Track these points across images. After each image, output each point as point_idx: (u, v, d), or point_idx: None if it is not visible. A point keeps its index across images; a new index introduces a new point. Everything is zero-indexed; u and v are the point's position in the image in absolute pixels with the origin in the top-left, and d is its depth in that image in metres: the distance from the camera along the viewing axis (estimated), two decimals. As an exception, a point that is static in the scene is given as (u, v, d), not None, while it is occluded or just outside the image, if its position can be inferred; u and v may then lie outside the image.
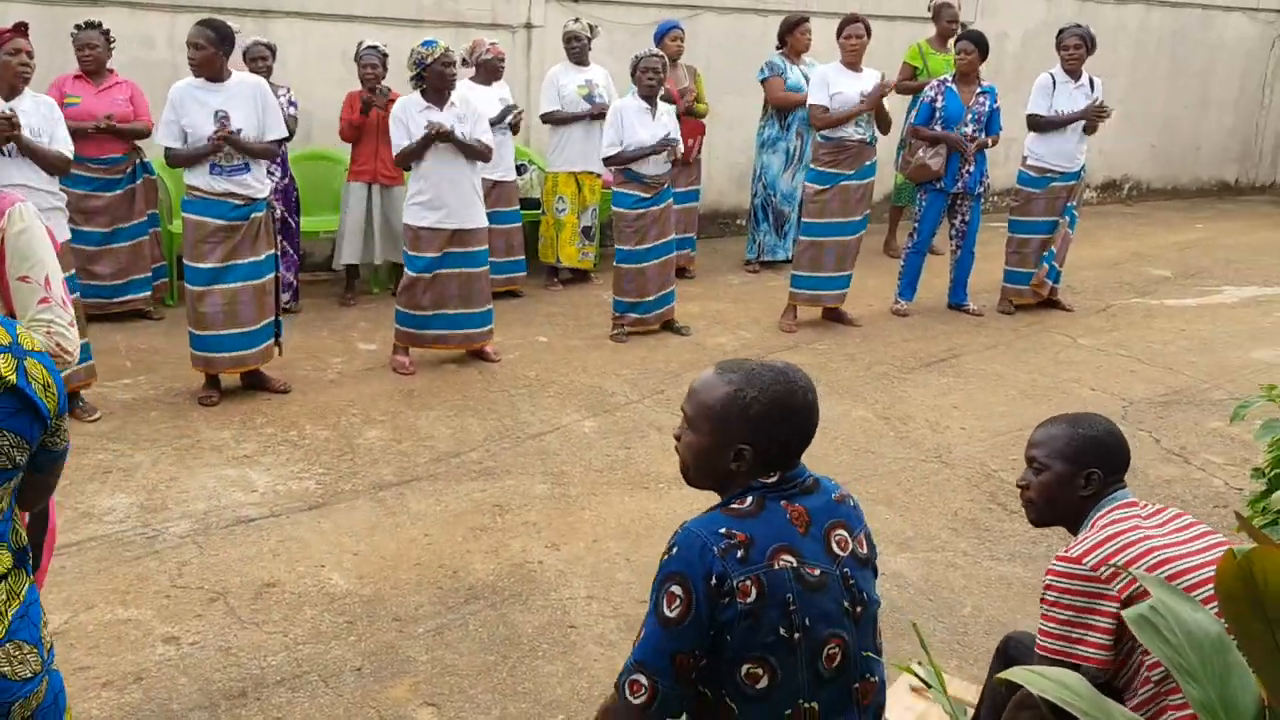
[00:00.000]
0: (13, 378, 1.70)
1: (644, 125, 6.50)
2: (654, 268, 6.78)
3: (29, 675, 1.78)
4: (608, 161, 6.68)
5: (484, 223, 6.14)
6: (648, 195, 6.65)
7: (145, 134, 6.55)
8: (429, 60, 5.82)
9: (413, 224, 5.98)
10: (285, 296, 6.64)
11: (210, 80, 5.28)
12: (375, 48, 7.22)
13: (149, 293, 6.90)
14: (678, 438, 2.12)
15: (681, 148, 6.84)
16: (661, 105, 6.65)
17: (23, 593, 1.80)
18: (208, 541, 4.10)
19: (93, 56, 6.54)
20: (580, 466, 4.97)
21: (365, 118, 7.14)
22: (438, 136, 5.75)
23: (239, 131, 5.25)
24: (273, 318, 5.62)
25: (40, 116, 5.04)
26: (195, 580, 3.82)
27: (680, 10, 9.29)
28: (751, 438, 2.01)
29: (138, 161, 6.74)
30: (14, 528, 1.82)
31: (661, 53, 6.77)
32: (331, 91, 7.59)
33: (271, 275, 5.57)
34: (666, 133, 6.55)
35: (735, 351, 6.68)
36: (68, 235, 5.33)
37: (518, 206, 7.77)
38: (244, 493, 4.53)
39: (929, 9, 9.16)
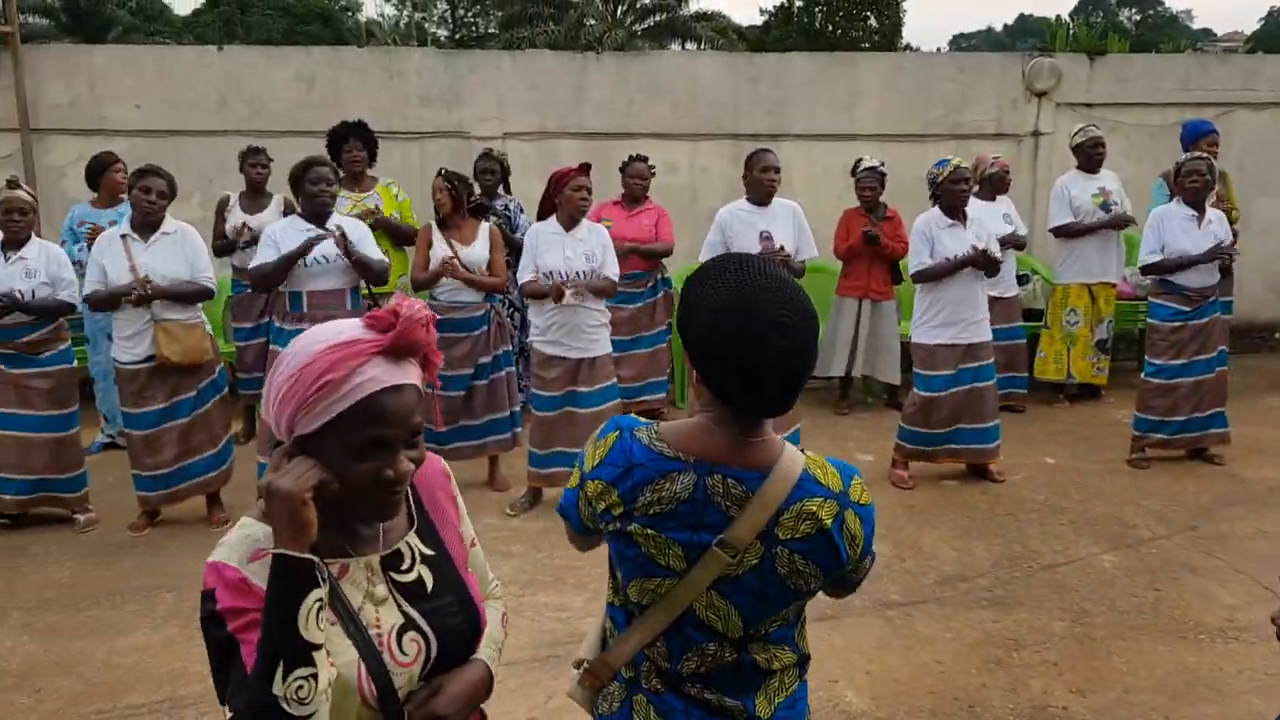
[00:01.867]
0: (828, 523, 1.74)
1: (1187, 233, 6.02)
2: (1188, 385, 6.17)
3: None
4: (1146, 270, 6.22)
5: (989, 336, 5.96)
6: (1188, 308, 6.10)
7: (666, 253, 7.10)
8: (940, 179, 5.83)
9: (927, 343, 5.91)
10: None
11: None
12: (873, 169, 7.32)
13: (664, 394, 7.43)
14: None
15: (1237, 254, 6.26)
16: (1210, 212, 6.12)
17: (792, 689, 1.89)
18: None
19: (642, 185, 7.19)
20: (1103, 605, 4.57)
21: (871, 246, 7.22)
22: (985, 263, 5.71)
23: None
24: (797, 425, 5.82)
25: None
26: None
27: (1208, 109, 8.58)
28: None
29: (659, 277, 7.32)
30: (798, 634, 1.90)
31: (1206, 154, 6.24)
32: (833, 207, 7.82)
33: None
34: (1218, 241, 6.01)
35: (1278, 487, 5.89)
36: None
37: (1020, 322, 7.48)
38: (756, 598, 4.64)
39: None
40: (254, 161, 6.81)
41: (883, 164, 7.41)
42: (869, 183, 7.26)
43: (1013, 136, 8.82)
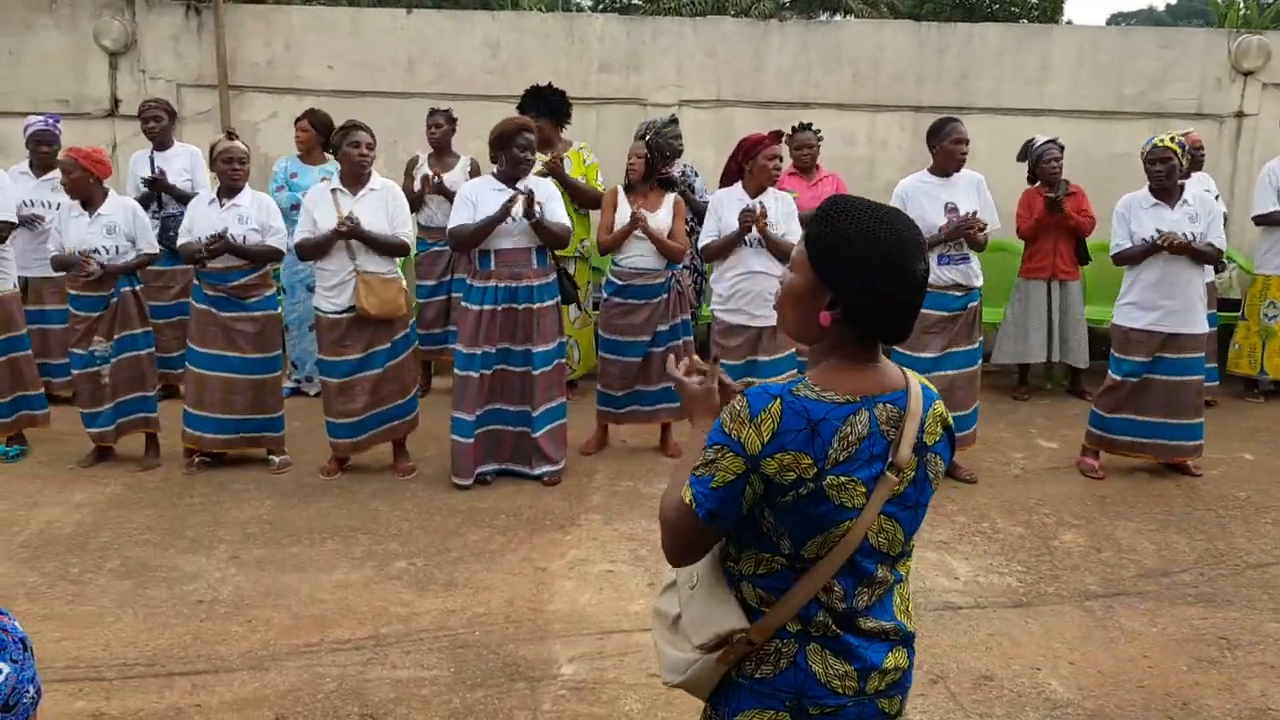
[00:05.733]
0: (949, 417, 1.90)
1: None
2: None
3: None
4: None
5: (1203, 328, 5.65)
6: None
7: None
8: (1142, 157, 5.57)
9: (1123, 325, 5.67)
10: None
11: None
12: (1052, 142, 7.02)
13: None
14: None
15: None
16: None
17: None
18: (919, 621, 4.14)
19: (810, 155, 7.14)
20: (1323, 609, 4.32)
21: (1054, 216, 6.96)
22: (1170, 247, 5.43)
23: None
24: (975, 404, 5.67)
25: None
26: (917, 659, 3.87)
27: None
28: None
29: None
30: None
31: None
32: (1017, 184, 7.53)
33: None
34: None
35: None
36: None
37: (1214, 310, 7.09)
38: (947, 579, 4.54)
39: None
40: (431, 123, 6.96)
41: (1058, 138, 7.10)
42: (1053, 154, 6.95)
43: (1214, 117, 8.34)
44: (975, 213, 5.45)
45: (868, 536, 1.78)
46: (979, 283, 5.60)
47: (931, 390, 1.88)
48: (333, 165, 7.02)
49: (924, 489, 1.84)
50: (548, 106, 6.59)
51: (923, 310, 5.69)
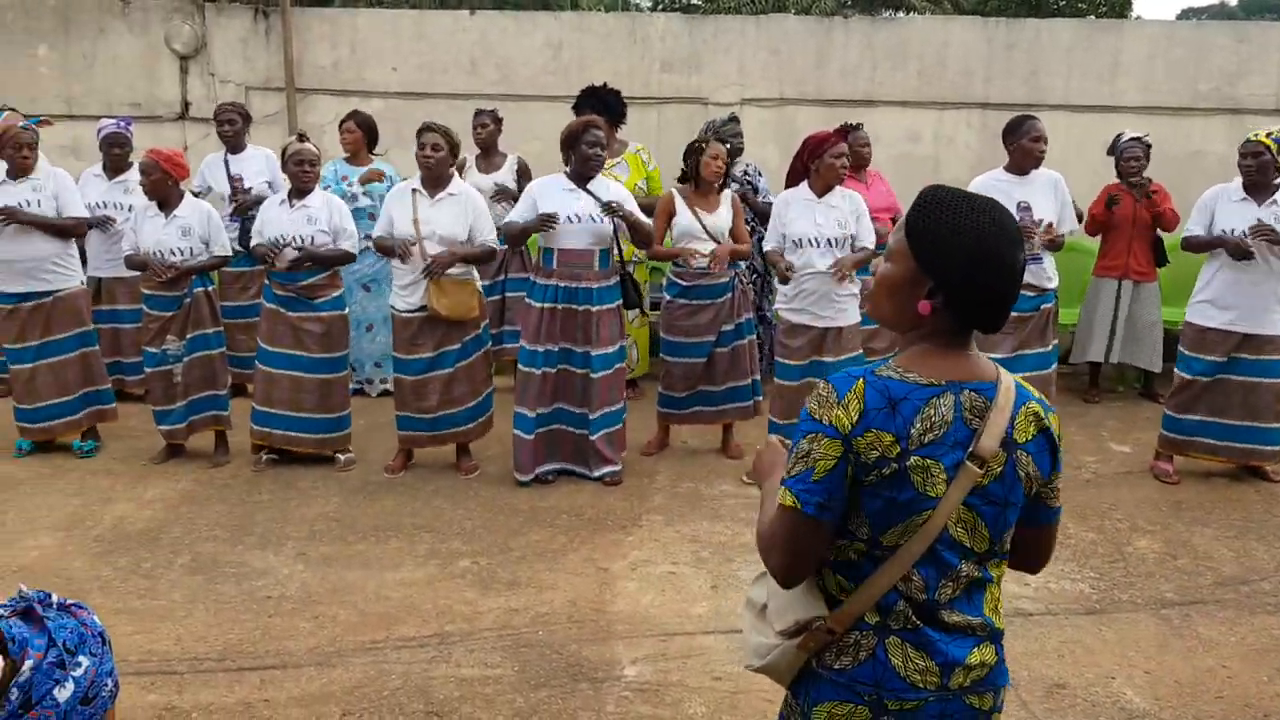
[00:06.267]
0: (1047, 421, 1.85)
1: None
2: None
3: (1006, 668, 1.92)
4: None
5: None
6: None
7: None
8: (1241, 153, 5.43)
9: (1198, 323, 5.53)
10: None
11: None
12: (1138, 139, 6.87)
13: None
14: None
15: None
16: None
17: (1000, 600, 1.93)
18: (989, 628, 4.08)
19: (867, 153, 7.05)
20: None
21: (1110, 213, 6.82)
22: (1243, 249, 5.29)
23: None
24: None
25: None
26: (984, 666, 3.80)
27: None
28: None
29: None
30: None
31: None
32: (1090, 182, 7.38)
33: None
34: None
35: None
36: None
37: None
38: (1017, 584, 4.44)
39: None
40: (476, 123, 6.98)
41: (1147, 135, 6.94)
42: (1133, 153, 6.81)
43: (1293, 112, 8.11)
44: (1043, 220, 5.35)
45: (948, 527, 1.77)
46: (1052, 284, 5.50)
47: (1029, 391, 1.86)
48: (380, 165, 7.11)
49: (1013, 488, 1.81)
50: (603, 106, 6.59)
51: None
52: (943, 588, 1.80)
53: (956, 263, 1.74)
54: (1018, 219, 5.17)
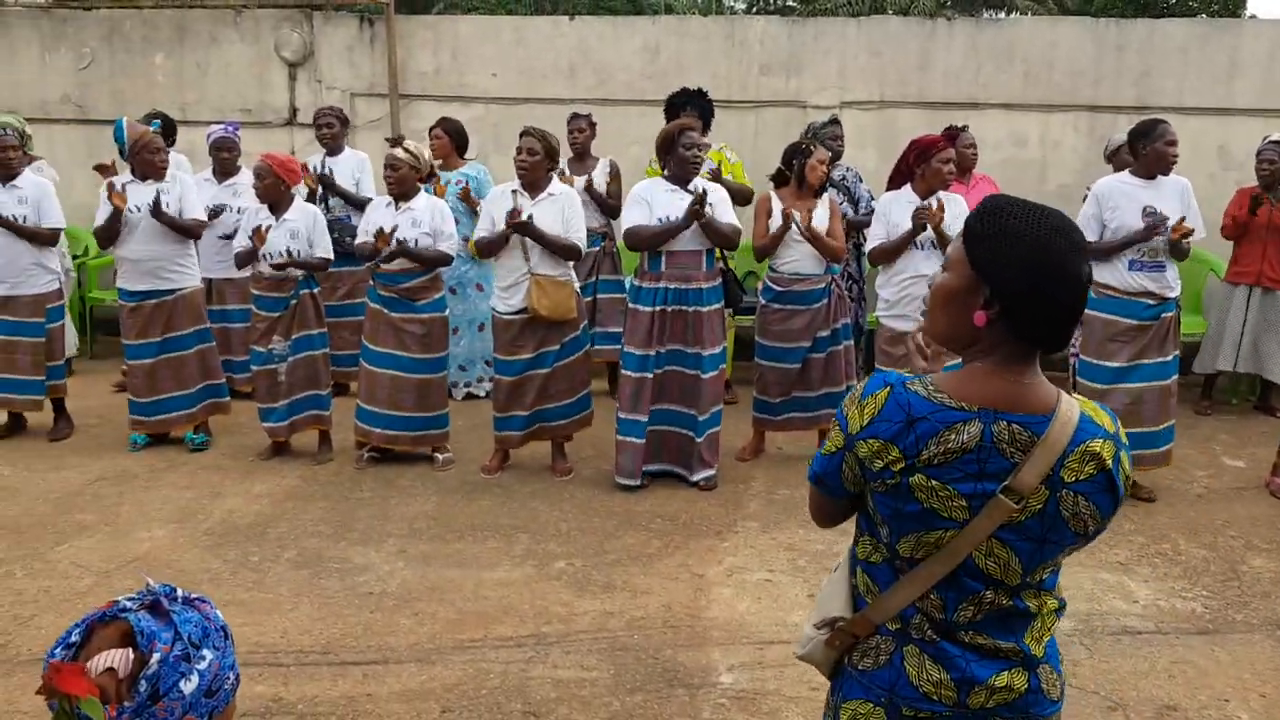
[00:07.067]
0: (1110, 463, 1.72)
1: None
2: None
3: (1056, 698, 1.85)
4: None
5: None
6: None
7: None
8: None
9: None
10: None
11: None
12: (1277, 142, 6.61)
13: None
14: None
15: None
16: None
17: (1052, 630, 1.85)
18: (1095, 645, 3.97)
19: (973, 156, 6.93)
20: None
21: (1253, 217, 6.58)
22: None
23: None
24: (1171, 421, 5.39)
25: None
26: (1090, 684, 3.70)
27: None
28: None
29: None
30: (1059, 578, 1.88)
31: None
32: (1204, 187, 7.10)
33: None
34: None
35: None
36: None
37: None
38: (1125, 601, 4.32)
39: None
40: (573, 127, 7.02)
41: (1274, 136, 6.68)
42: (1268, 156, 6.55)
43: None
44: (1183, 219, 5.19)
45: (973, 556, 1.72)
46: (1174, 293, 5.30)
47: (1099, 426, 1.73)
48: (470, 169, 7.18)
49: (1055, 526, 1.71)
50: (694, 108, 6.59)
51: (1110, 317, 5.47)
52: (962, 610, 1.77)
53: (1015, 268, 1.66)
54: (1143, 222, 5.08)
